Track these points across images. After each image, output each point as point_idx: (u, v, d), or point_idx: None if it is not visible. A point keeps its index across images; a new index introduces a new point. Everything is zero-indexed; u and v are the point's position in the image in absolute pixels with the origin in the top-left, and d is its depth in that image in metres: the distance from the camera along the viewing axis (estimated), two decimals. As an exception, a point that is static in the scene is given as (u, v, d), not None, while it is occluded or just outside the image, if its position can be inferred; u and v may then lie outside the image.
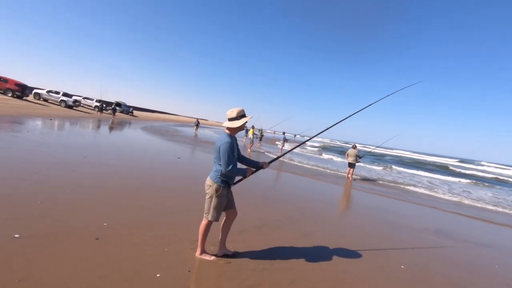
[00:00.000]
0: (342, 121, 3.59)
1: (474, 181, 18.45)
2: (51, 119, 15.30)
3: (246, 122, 2.62)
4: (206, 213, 2.64)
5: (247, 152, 15.47)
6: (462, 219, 6.90)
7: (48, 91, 26.72)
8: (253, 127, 19.44)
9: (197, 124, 27.48)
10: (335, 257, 3.29)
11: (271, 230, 3.87)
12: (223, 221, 2.84)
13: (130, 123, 25.69)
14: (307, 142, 4.13)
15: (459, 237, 5.20)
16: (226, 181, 2.61)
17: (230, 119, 2.62)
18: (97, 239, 2.74)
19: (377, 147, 15.81)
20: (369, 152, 19.37)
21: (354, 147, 11.18)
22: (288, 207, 5.40)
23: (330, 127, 3.69)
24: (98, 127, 16.66)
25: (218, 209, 2.61)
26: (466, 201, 9.60)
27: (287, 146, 21.20)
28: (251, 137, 18.86)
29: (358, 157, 10.87)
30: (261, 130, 23.04)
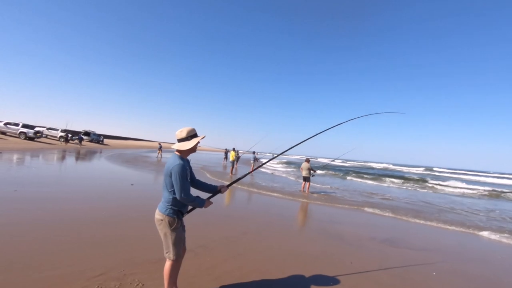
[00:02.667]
0: (310, 139, 3.38)
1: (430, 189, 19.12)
2: (0, 153, 14.21)
3: (199, 142, 2.32)
4: (166, 253, 2.27)
5: (229, 176, 15.11)
6: (414, 225, 6.93)
7: (6, 123, 25.26)
8: (234, 150, 18.85)
9: (160, 148, 26.94)
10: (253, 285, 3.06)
11: (198, 255, 3.59)
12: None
13: (97, 152, 24.54)
14: (271, 160, 3.96)
15: (405, 244, 5.16)
16: (178, 211, 2.25)
17: (180, 140, 2.30)
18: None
19: (335, 159, 16.12)
20: (326, 165, 19.79)
21: (307, 160, 11.01)
22: (227, 227, 5.14)
23: (296, 144, 3.38)
24: (59, 158, 15.67)
25: (178, 244, 2.27)
26: (419, 207, 9.80)
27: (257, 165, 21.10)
28: (233, 160, 18.22)
29: (312, 170, 10.80)
30: (237, 152, 22.86)
